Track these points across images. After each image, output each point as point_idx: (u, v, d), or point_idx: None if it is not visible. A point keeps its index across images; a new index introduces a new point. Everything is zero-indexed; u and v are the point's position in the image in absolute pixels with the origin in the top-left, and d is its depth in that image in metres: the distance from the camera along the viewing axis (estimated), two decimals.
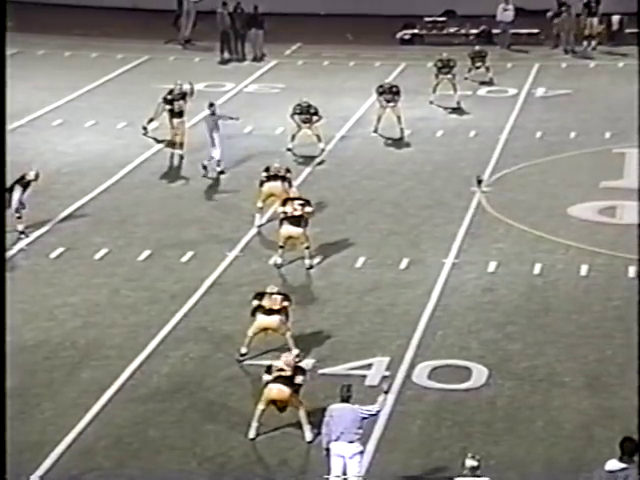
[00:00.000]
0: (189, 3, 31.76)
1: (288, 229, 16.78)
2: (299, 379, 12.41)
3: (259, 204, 18.40)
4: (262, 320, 13.97)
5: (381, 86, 23.67)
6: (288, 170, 18.67)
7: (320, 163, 22.03)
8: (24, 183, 17.95)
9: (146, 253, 17.63)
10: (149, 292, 16.30)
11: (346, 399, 11.59)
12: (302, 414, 12.38)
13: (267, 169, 18.51)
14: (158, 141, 22.90)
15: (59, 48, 31.11)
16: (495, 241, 17.91)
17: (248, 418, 12.55)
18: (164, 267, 17.16)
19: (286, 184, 18.25)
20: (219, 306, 15.86)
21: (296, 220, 16.71)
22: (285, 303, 14.02)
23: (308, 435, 12.33)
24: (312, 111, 22.26)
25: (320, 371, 13.87)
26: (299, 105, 22.41)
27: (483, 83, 27.23)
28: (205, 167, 21.13)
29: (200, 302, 16.00)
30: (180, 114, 22.15)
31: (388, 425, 12.66)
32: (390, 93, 23.29)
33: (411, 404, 13.20)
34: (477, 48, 28.06)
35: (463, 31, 31.47)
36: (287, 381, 12.35)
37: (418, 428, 12.74)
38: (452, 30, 31.74)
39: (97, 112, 25.11)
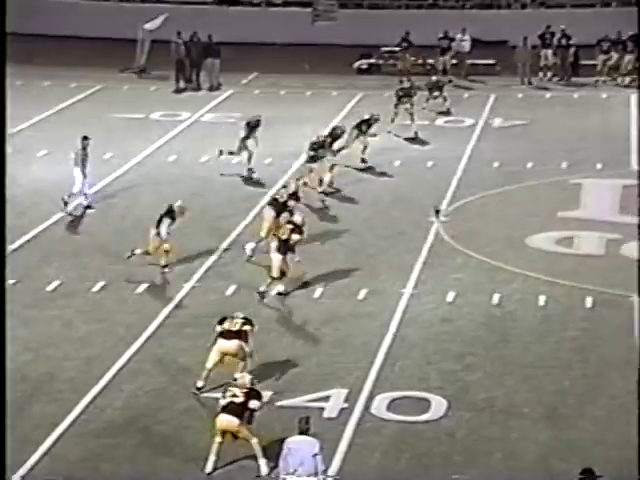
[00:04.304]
0: (144, 32, 31.80)
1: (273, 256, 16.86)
2: (252, 404, 12.32)
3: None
4: (221, 344, 13.93)
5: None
6: (292, 195, 18.44)
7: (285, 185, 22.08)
8: (172, 215, 17.82)
9: (100, 284, 17.52)
10: (103, 324, 16.18)
11: (304, 431, 11.58)
12: (256, 447, 12.30)
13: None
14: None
15: (11, 77, 30.69)
16: (453, 271, 18.02)
17: (204, 452, 12.46)
18: (118, 298, 17.06)
19: (273, 213, 18.15)
20: (175, 338, 15.78)
21: (283, 246, 16.77)
22: (246, 327, 13.97)
23: (263, 469, 12.27)
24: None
25: (277, 403, 13.82)
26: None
27: (440, 113, 27.49)
28: (86, 196, 20.85)
29: (156, 334, 15.91)
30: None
31: (346, 458, 12.63)
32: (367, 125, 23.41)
33: (370, 436, 13.19)
34: (434, 78, 28.36)
35: (420, 61, 31.75)
36: (238, 409, 12.27)
37: (377, 461, 12.72)
38: (407, 60, 31.93)
39: (50, 142, 24.98)
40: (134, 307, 16.76)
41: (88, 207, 20.97)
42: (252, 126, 23.00)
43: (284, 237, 16.84)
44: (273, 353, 15.23)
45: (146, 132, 26.17)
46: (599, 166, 23.43)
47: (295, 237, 16.94)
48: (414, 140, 25.34)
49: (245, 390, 12.38)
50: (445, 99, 27.52)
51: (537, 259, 18.57)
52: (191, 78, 30.90)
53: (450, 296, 17.03)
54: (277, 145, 25.23)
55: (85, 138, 21.21)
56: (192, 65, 30.85)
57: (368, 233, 19.88)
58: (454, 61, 31.46)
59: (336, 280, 17.67)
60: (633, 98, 29.04)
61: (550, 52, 30.99)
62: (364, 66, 32.45)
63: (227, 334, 13.93)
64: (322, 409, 13.68)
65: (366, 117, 23.66)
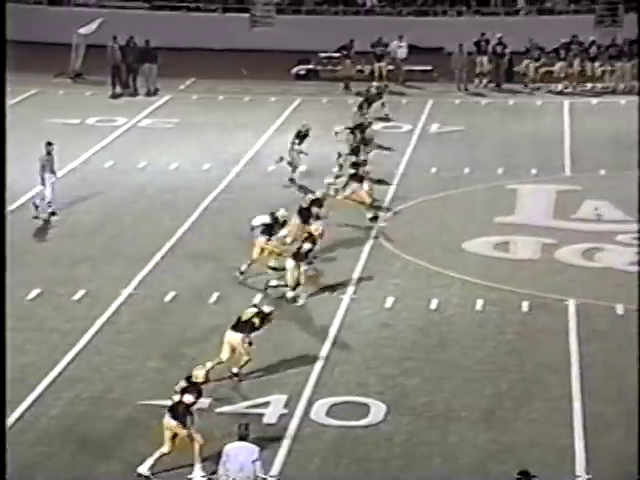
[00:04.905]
0: (78, 36, 31.51)
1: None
2: (185, 398, 12.29)
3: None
4: (228, 335, 14.34)
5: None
6: (315, 201, 18.52)
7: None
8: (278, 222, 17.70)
9: (35, 292, 17.30)
10: (38, 332, 15.99)
11: (243, 437, 11.57)
12: (195, 452, 12.23)
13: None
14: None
15: None
16: (392, 276, 18.12)
17: (143, 458, 12.37)
18: (54, 306, 16.86)
19: (298, 219, 18.35)
20: (112, 345, 15.64)
21: (297, 254, 16.95)
22: (255, 319, 14.31)
23: (196, 473, 12.13)
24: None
25: (217, 410, 13.78)
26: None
27: (379, 119, 27.61)
28: (37, 206, 20.72)
29: (92, 341, 15.75)
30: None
31: (286, 463, 12.64)
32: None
33: (309, 442, 13.20)
34: (374, 84, 28.49)
35: (361, 67, 31.89)
36: (175, 408, 12.31)
37: (316, 467, 12.73)
38: (345, 66, 32.03)
39: None
40: (70, 314, 16.58)
41: (53, 213, 20.73)
42: (302, 135, 22.70)
43: (297, 245, 17.03)
44: (212, 358, 15.16)
45: (82, 138, 25.92)
46: (534, 172, 23.75)
47: (306, 246, 16.97)
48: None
49: (184, 386, 12.36)
50: (384, 105, 27.67)
51: (474, 264, 18.74)
52: (128, 83, 30.69)
53: (389, 301, 17.12)
54: (215, 151, 25.20)
55: (49, 144, 21.05)
56: (129, 70, 30.64)
57: None
58: (391, 67, 31.68)
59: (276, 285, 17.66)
60: (566, 104, 29.51)
61: (485, 59, 31.36)
62: (302, 72, 32.51)
63: (239, 325, 14.32)
64: (262, 415, 13.66)
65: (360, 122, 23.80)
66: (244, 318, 14.37)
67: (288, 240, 18.09)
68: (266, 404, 13.95)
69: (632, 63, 30.57)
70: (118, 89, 30.50)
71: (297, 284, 16.89)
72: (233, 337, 14.33)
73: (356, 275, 18.06)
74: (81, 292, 17.31)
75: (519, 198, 22.08)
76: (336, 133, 23.77)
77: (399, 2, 36.50)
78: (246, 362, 14.36)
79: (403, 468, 12.71)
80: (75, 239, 19.85)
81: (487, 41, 31.41)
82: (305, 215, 18.43)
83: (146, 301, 17.10)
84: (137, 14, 35.80)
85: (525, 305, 16.94)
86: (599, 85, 30.76)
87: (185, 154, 24.92)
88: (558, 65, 30.85)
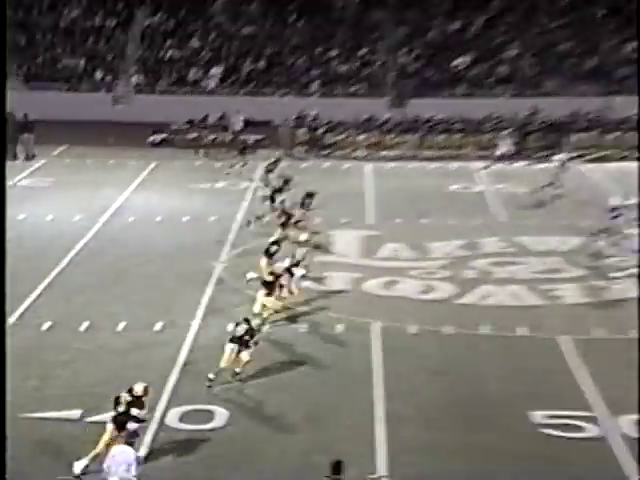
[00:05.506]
0: None
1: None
2: (130, 425, 12.04)
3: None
4: (227, 346, 14.49)
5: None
6: (274, 242, 18.56)
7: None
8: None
9: None
10: None
11: (129, 443, 11.56)
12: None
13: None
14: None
15: None
16: (233, 306, 18.11)
17: (24, 469, 11.89)
18: None
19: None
20: None
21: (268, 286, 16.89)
22: (245, 337, 14.51)
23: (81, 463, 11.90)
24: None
25: (88, 419, 13.46)
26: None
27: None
28: None
29: None
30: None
31: (147, 459, 12.47)
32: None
33: (165, 443, 13.07)
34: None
35: (215, 137, 32.01)
36: (117, 417, 12.09)
37: (171, 463, 12.61)
38: (194, 135, 32.24)
39: None
40: None
41: None
42: (285, 183, 22.73)
43: (269, 279, 17.04)
44: (83, 378, 14.80)
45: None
46: (344, 220, 24.30)
47: (269, 279, 17.09)
48: (202, 199, 25.30)
49: (129, 400, 12.21)
50: (244, 164, 27.82)
51: (301, 295, 18.96)
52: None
53: (230, 326, 17.09)
54: (85, 205, 24.74)
55: None
56: (9, 139, 29.76)
57: (164, 277, 19.71)
58: (230, 137, 31.98)
59: (137, 315, 17.41)
60: (368, 167, 30.43)
61: (304, 130, 32.14)
62: (157, 140, 32.44)
63: (233, 339, 14.51)
64: None
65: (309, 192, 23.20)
66: (237, 335, 14.58)
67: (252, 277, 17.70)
68: None
69: (418, 135, 32.02)
70: None
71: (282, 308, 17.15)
72: (229, 347, 14.59)
73: (204, 305, 17.99)
74: None
75: (335, 242, 22.54)
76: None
77: (236, 84, 36.94)
78: (247, 362, 14.66)
79: (243, 461, 12.72)
80: None
81: (305, 116, 32.25)
82: (268, 254, 18.44)
83: (26, 330, 16.51)
84: (17, 93, 34.85)
85: (339, 327, 17.27)
86: (393, 153, 31.98)
87: (59, 207, 24.37)
88: (361, 136, 31.94)
